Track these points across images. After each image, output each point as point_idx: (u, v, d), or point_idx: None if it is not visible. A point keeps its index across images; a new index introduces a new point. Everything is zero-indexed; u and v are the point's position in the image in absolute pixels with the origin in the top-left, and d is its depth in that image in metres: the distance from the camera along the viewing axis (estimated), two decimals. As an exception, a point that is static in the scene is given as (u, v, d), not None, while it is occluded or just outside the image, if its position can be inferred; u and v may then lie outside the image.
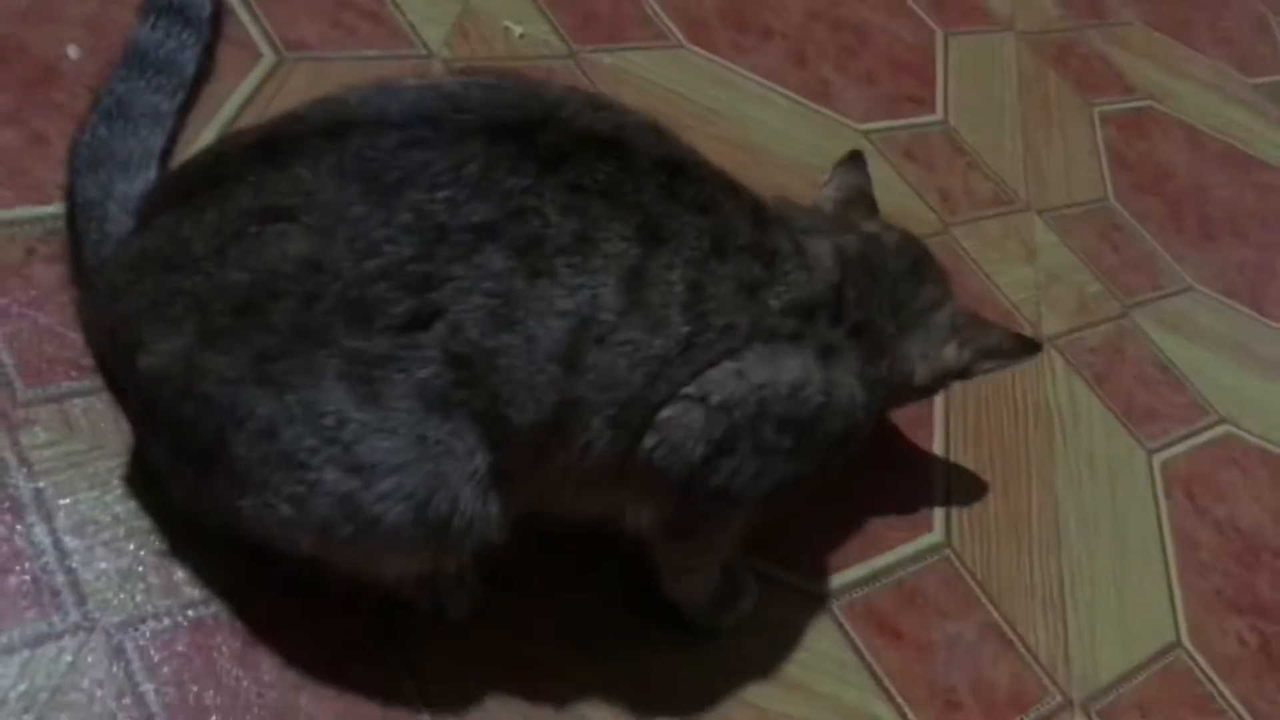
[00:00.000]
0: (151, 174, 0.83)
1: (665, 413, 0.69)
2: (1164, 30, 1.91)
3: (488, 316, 0.63)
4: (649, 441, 0.69)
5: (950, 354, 0.87)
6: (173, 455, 0.68)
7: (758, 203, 0.75)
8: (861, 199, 0.92)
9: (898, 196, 1.30)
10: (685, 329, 0.67)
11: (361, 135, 0.64)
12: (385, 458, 0.63)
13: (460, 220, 0.63)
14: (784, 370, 0.71)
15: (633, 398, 0.67)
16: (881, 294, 0.81)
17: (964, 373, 0.90)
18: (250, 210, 0.64)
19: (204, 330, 0.63)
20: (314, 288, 0.62)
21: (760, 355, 0.70)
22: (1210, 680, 1.03)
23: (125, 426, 0.76)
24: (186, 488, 0.69)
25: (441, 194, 0.63)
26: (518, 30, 1.20)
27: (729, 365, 0.69)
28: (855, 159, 0.97)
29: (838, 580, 0.93)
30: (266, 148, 0.66)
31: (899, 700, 0.88)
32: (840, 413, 0.74)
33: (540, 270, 0.63)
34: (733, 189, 0.74)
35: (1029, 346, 0.93)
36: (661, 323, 0.67)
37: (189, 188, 0.68)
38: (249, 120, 0.95)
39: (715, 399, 0.69)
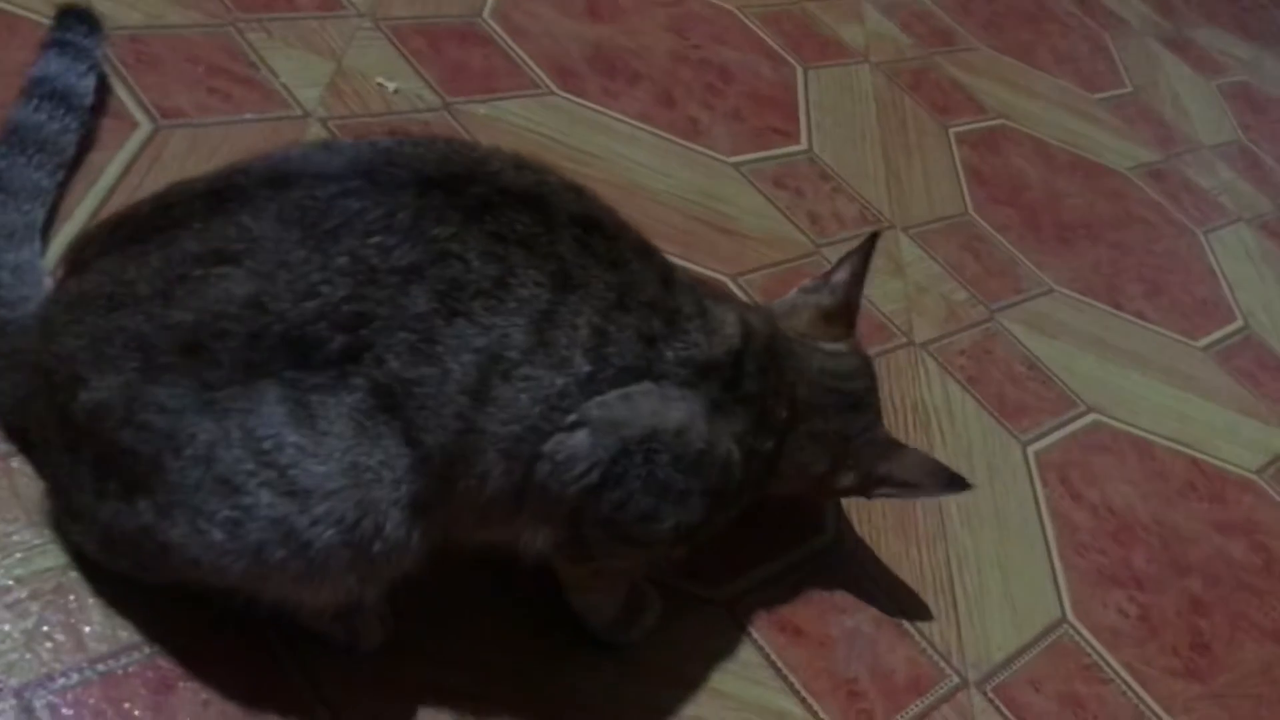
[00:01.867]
0: (36, 245, 0.85)
1: (556, 437, 0.72)
2: (1010, 53, 2.04)
3: (409, 350, 0.67)
4: (540, 468, 0.72)
5: (847, 479, 0.92)
6: (99, 494, 0.69)
7: (668, 266, 0.80)
8: (843, 311, 0.96)
9: (770, 222, 1.36)
10: (586, 369, 0.71)
11: (302, 186, 0.68)
12: (320, 483, 0.66)
13: (390, 264, 0.67)
14: (672, 408, 0.75)
15: (529, 430, 0.71)
16: (783, 382, 0.85)
17: (860, 492, 0.94)
18: (195, 254, 0.67)
19: (147, 367, 0.65)
20: (257, 327, 0.65)
21: (649, 390, 0.74)
22: (1096, 651, 1.09)
23: (23, 492, 0.76)
24: (106, 530, 0.70)
25: (374, 240, 0.67)
26: (391, 86, 1.24)
27: (618, 392, 0.73)
28: (863, 252, 0.99)
29: (737, 585, 0.97)
30: (211, 197, 0.70)
31: (804, 694, 0.92)
32: (717, 465, 0.78)
33: (459, 310, 0.68)
34: (645, 250, 0.79)
35: (952, 482, 0.93)
36: (564, 362, 0.71)
37: (132, 233, 0.70)
38: (127, 188, 0.97)
39: (598, 415, 0.72)
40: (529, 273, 0.70)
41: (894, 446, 0.94)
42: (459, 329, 0.67)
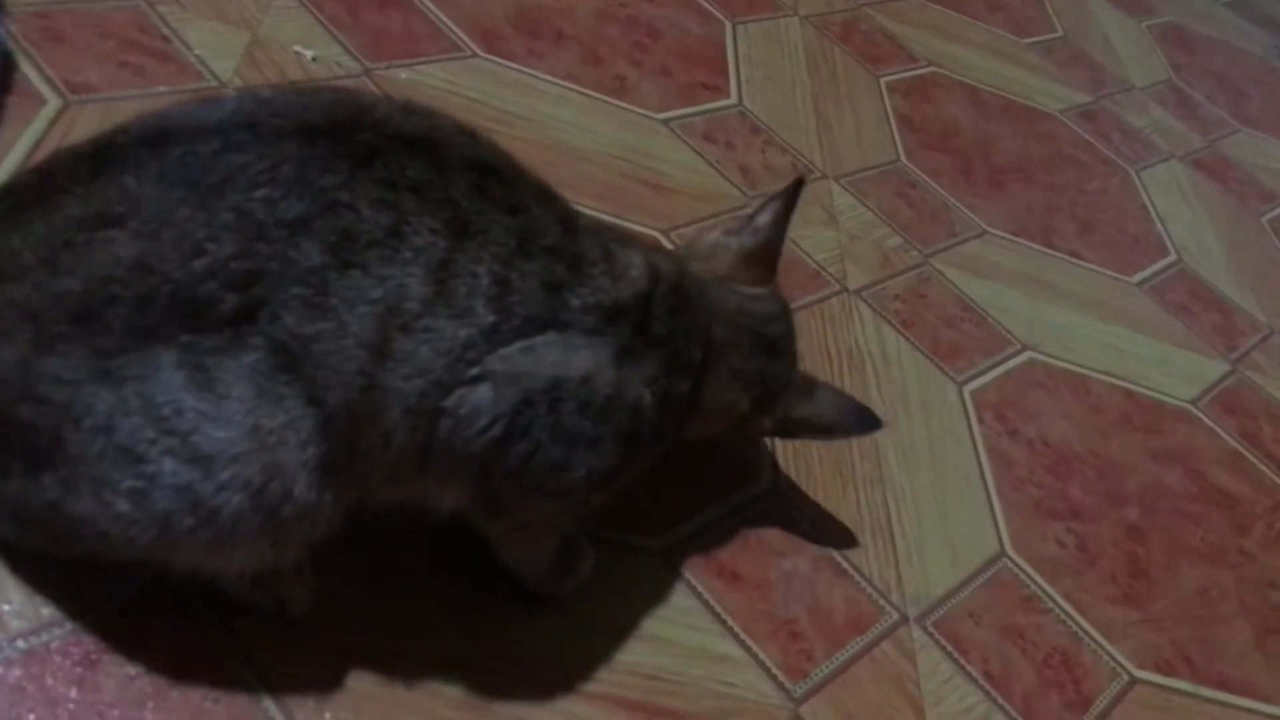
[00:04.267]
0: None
1: (458, 392, 0.71)
2: (940, 3, 2.04)
3: (303, 306, 0.65)
4: (443, 424, 0.71)
5: (767, 423, 0.93)
6: (3, 472, 0.67)
7: (569, 211, 0.79)
8: (764, 254, 0.96)
9: (701, 177, 1.36)
10: (490, 319, 0.70)
11: (182, 143, 0.67)
12: (223, 448, 0.65)
13: (277, 217, 0.65)
14: (577, 358, 0.74)
15: (433, 385, 0.70)
16: (694, 323, 0.84)
17: (782, 434, 0.97)
18: (78, 219, 0.65)
19: (39, 339, 0.64)
20: (146, 290, 0.64)
21: (553, 341, 0.73)
22: (1035, 582, 1.10)
23: (-65, 473, 0.75)
24: (10, 508, 0.69)
25: (259, 193, 0.65)
26: (309, 54, 1.22)
27: (519, 344, 0.72)
28: (789, 195, 0.99)
29: (674, 535, 0.97)
30: (91, 159, 0.68)
31: (743, 637, 0.93)
32: (627, 410, 0.77)
33: (352, 262, 0.66)
34: (545, 195, 0.77)
35: (864, 421, 0.96)
36: (466, 312, 0.70)
37: (16, 203, 0.69)
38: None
39: (500, 369, 0.71)
40: (423, 220, 0.68)
41: (808, 387, 0.95)
42: (353, 281, 0.66)
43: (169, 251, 0.64)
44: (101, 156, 0.68)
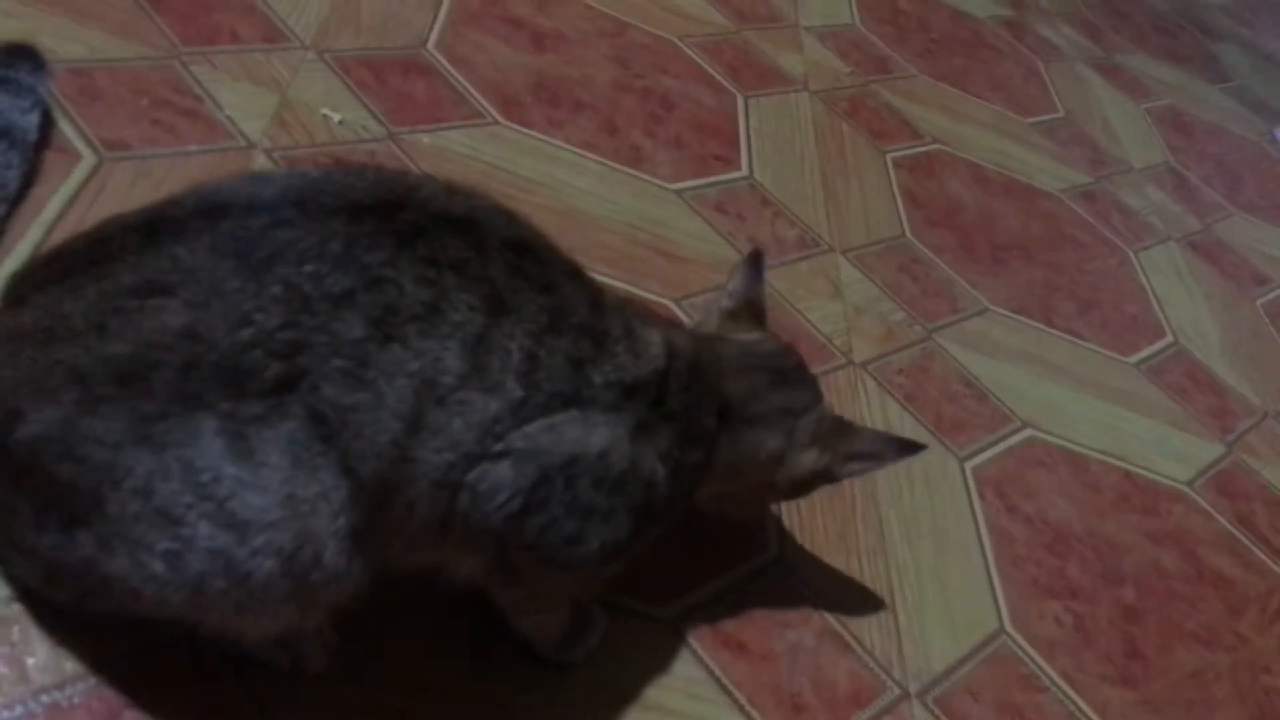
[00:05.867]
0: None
1: (480, 467, 0.73)
2: (945, 80, 2.09)
3: (343, 377, 0.68)
4: (462, 498, 0.73)
5: (809, 458, 0.92)
6: (39, 527, 0.69)
7: (597, 289, 0.81)
8: (748, 309, 0.98)
9: (712, 246, 1.39)
10: (519, 394, 0.72)
11: (234, 217, 0.69)
12: (257, 515, 0.66)
13: (323, 291, 0.68)
14: (595, 434, 0.76)
15: (461, 457, 0.72)
16: (707, 391, 0.86)
17: (828, 476, 0.94)
18: (130, 286, 0.68)
19: (85, 399, 0.66)
20: (192, 357, 0.66)
21: (574, 418, 0.75)
22: (1033, 660, 1.12)
23: (-35, 524, 0.77)
24: (48, 563, 0.70)
25: (307, 268, 0.68)
26: (336, 117, 1.25)
27: (542, 421, 0.74)
28: (752, 261, 1.02)
29: (681, 603, 0.98)
30: (146, 229, 0.71)
31: (748, 708, 0.94)
32: (641, 483, 0.79)
33: (393, 335, 0.69)
34: (574, 273, 0.80)
35: (905, 447, 0.96)
36: (497, 387, 0.72)
37: (69, 267, 0.71)
38: (71, 221, 0.98)
39: (521, 446, 0.73)
40: (462, 296, 0.71)
41: (849, 423, 0.97)
42: (393, 354, 0.68)
43: (217, 321, 0.66)
44: (153, 227, 0.70)
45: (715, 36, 1.82)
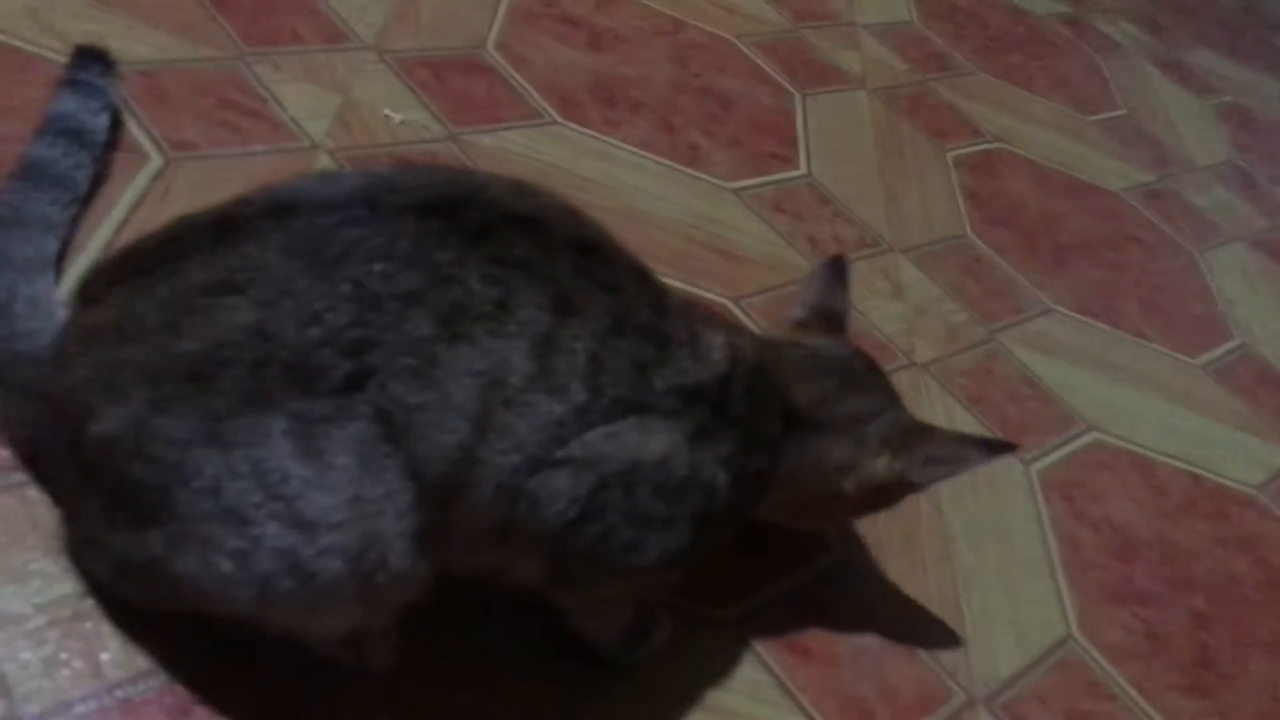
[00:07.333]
0: (50, 278, 0.87)
1: (540, 474, 0.72)
2: (1005, 78, 2.06)
3: (411, 376, 0.67)
4: (520, 505, 0.73)
5: (882, 464, 0.88)
6: (110, 524, 0.70)
7: (661, 290, 0.80)
8: (821, 321, 0.96)
9: (770, 246, 1.38)
10: (583, 397, 0.72)
11: (304, 216, 0.70)
12: (325, 515, 0.66)
13: (392, 289, 0.68)
14: (654, 441, 0.75)
15: (525, 460, 0.71)
16: (771, 397, 0.84)
17: (908, 483, 0.90)
18: (202, 285, 0.68)
19: (156, 397, 0.66)
20: (261, 355, 0.66)
21: (633, 425, 0.74)
22: (1103, 667, 1.10)
23: (40, 520, 0.78)
24: (117, 560, 0.71)
25: (377, 266, 0.68)
26: (397, 117, 1.26)
27: (603, 429, 0.73)
28: (832, 269, 0.99)
29: (745, 606, 0.97)
30: (216, 228, 0.71)
31: (812, 712, 0.93)
32: (701, 490, 0.78)
33: (460, 334, 0.68)
34: (640, 274, 0.79)
35: (992, 448, 0.91)
36: (561, 390, 0.71)
37: (141, 265, 0.72)
38: (139, 220, 0.99)
39: (580, 455, 0.72)
40: (529, 296, 0.70)
41: (927, 425, 0.93)
42: (460, 353, 0.68)
43: (287, 319, 0.66)
44: (224, 225, 0.71)
45: (772, 35, 1.81)
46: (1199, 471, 1.40)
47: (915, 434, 0.91)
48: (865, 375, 0.93)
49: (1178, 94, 2.38)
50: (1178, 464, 1.39)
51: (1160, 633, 1.16)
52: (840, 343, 0.96)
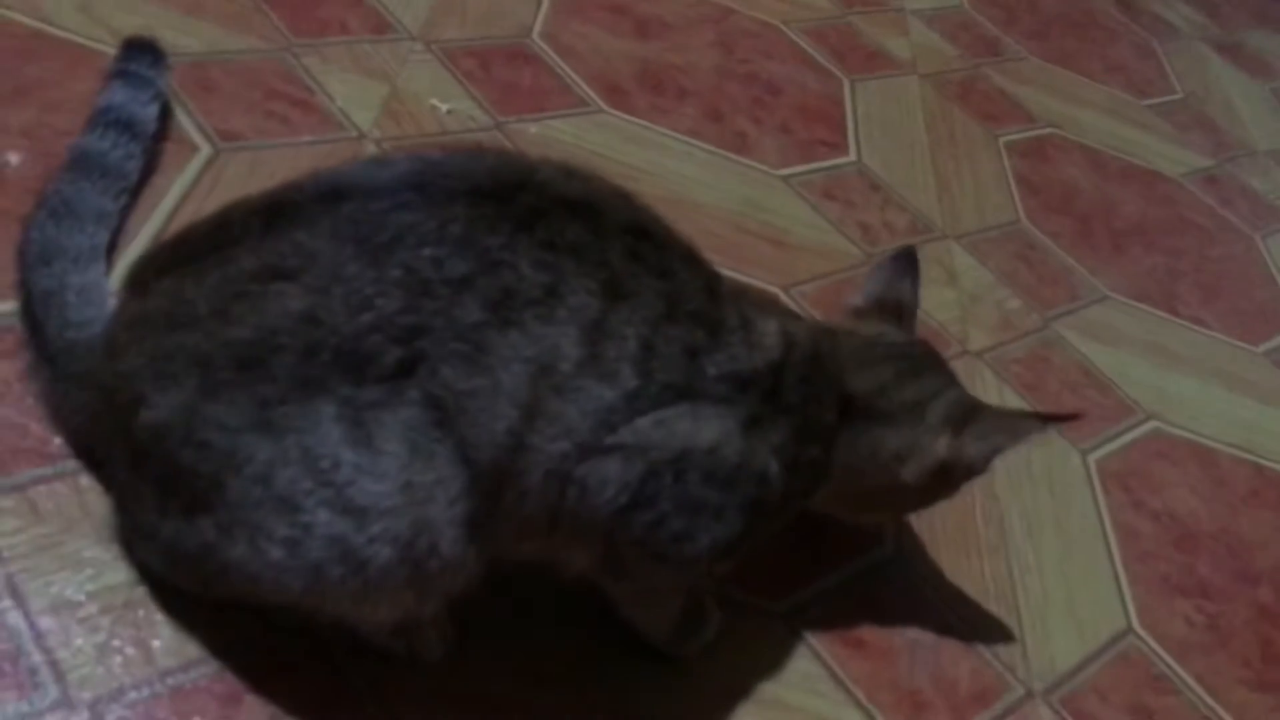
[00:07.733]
0: (101, 267, 0.87)
1: (589, 461, 0.71)
2: (1058, 62, 2.02)
3: (461, 361, 0.67)
4: (570, 492, 0.72)
5: (941, 444, 0.86)
6: (161, 512, 0.70)
7: (713, 275, 0.79)
8: (881, 309, 0.94)
9: (820, 234, 1.36)
10: (633, 383, 0.71)
11: (355, 201, 0.69)
12: (376, 501, 0.66)
13: (443, 275, 0.67)
14: (706, 428, 0.73)
15: (575, 447, 0.70)
16: (826, 384, 0.82)
17: (968, 465, 0.88)
18: (252, 271, 0.68)
19: (206, 384, 0.66)
20: (312, 341, 0.66)
21: (683, 412, 0.73)
22: (1164, 661, 1.07)
23: (93, 508, 0.78)
24: (169, 548, 0.71)
25: (427, 251, 0.67)
26: (444, 107, 1.25)
27: (653, 415, 0.72)
28: (901, 260, 0.98)
29: (798, 597, 0.96)
30: (267, 214, 0.70)
31: (867, 705, 0.91)
32: (754, 478, 0.76)
33: (511, 320, 0.68)
34: (692, 259, 0.78)
35: (1049, 417, 0.91)
36: (612, 375, 0.70)
37: (191, 253, 0.72)
38: (189, 210, 0.99)
39: (631, 442, 0.71)
40: (580, 281, 0.69)
41: (985, 404, 0.92)
42: (511, 339, 0.67)
43: (338, 305, 0.66)
44: (275, 211, 0.70)
45: (820, 21, 1.78)
46: (1262, 461, 1.36)
47: (975, 411, 0.89)
48: (923, 360, 0.91)
49: (1236, 77, 2.33)
50: (1240, 453, 1.35)
51: (1224, 626, 1.13)
52: (899, 330, 0.93)
